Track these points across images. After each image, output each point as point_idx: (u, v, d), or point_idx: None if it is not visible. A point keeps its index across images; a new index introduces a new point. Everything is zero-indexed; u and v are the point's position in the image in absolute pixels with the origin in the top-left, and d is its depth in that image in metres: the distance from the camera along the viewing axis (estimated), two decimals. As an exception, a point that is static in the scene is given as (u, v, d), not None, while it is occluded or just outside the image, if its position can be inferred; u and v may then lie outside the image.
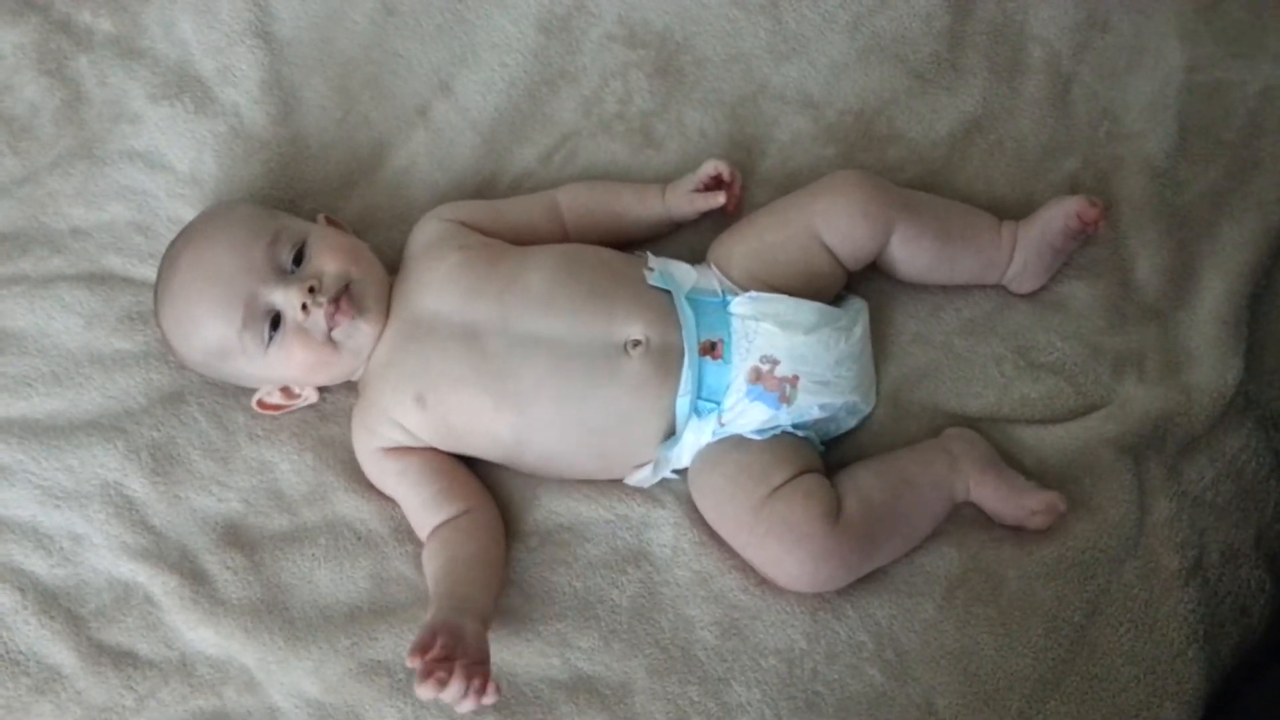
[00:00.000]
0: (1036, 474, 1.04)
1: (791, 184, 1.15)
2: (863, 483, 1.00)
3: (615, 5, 1.20)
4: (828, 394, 1.01)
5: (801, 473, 1.00)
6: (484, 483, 1.06)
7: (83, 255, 1.15)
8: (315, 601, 1.02)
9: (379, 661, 1.00)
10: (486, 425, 1.02)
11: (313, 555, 1.04)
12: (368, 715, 0.98)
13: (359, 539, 1.04)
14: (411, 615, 1.01)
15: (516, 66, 1.19)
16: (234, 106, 1.18)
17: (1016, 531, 1.02)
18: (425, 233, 1.09)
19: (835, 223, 1.04)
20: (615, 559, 1.03)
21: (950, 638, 0.98)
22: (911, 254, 1.06)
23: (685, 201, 1.11)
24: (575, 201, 1.12)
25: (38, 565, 1.04)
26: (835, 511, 0.98)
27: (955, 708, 0.96)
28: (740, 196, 1.12)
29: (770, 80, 1.18)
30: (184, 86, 1.19)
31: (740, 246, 1.06)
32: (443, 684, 0.85)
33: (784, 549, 0.97)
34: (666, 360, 1.00)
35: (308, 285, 1.01)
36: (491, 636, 0.99)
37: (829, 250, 1.05)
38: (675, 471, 1.05)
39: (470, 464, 1.06)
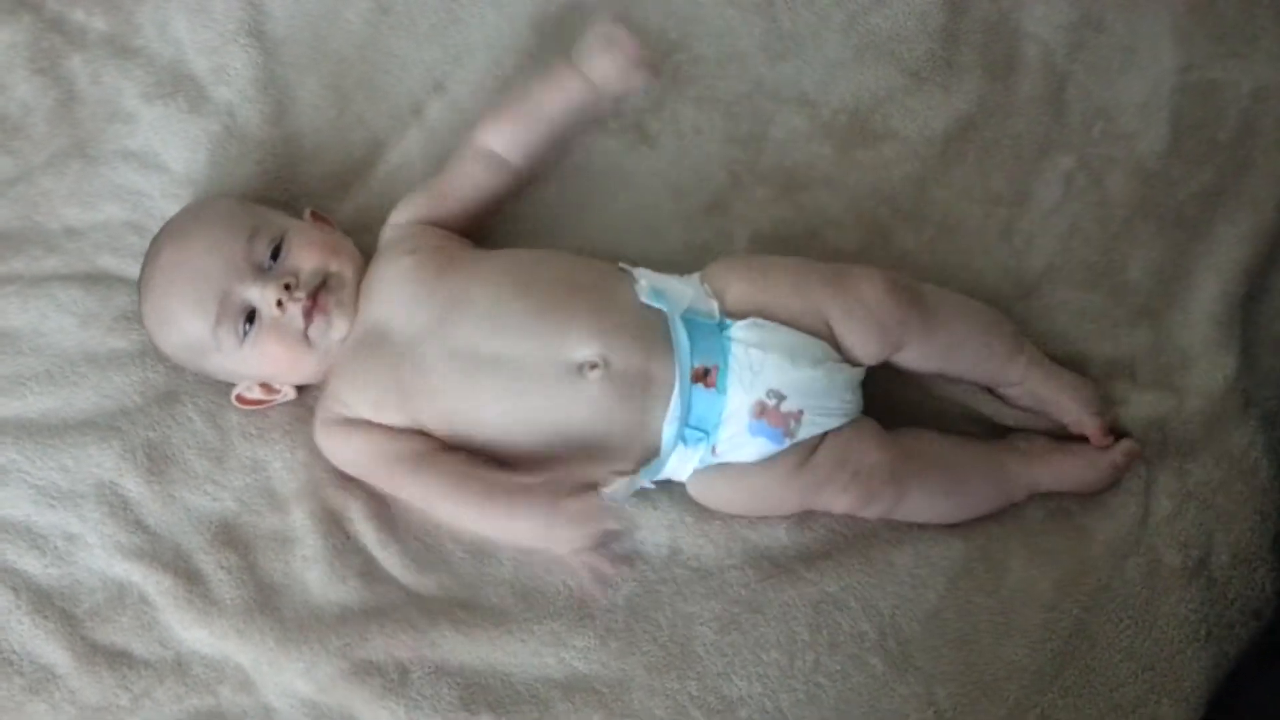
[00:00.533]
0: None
1: (788, 181, 1.15)
2: (922, 431, 1.04)
3: (610, 4, 1.20)
4: (831, 421, 1.00)
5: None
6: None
7: (77, 255, 1.15)
8: (307, 601, 1.02)
9: (371, 662, 0.99)
10: (448, 434, 1.01)
11: (304, 555, 1.03)
12: (361, 715, 0.98)
13: (349, 538, 1.04)
14: (403, 616, 1.01)
15: (511, 66, 1.19)
16: (228, 106, 1.18)
17: (1076, 517, 1.03)
18: (385, 235, 1.08)
19: (849, 325, 1.01)
20: (610, 558, 1.02)
21: (952, 627, 0.99)
22: (913, 368, 1.05)
23: (607, 67, 1.05)
24: (508, 140, 1.07)
25: (32, 565, 1.03)
26: (879, 432, 1.00)
27: (955, 697, 0.97)
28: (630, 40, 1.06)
29: (766, 78, 1.18)
30: (178, 86, 1.19)
31: (743, 284, 1.02)
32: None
33: (849, 472, 0.98)
34: (636, 383, 0.98)
35: (284, 282, 1.01)
36: (484, 637, 1.00)
37: (835, 339, 1.02)
38: (654, 482, 1.03)
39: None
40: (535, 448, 0.99)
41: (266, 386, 1.07)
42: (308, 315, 1.01)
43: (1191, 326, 1.09)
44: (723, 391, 0.98)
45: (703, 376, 0.98)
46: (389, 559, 1.04)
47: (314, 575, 1.03)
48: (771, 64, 1.19)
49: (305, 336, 1.02)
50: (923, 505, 1.01)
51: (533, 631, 1.00)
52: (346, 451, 1.04)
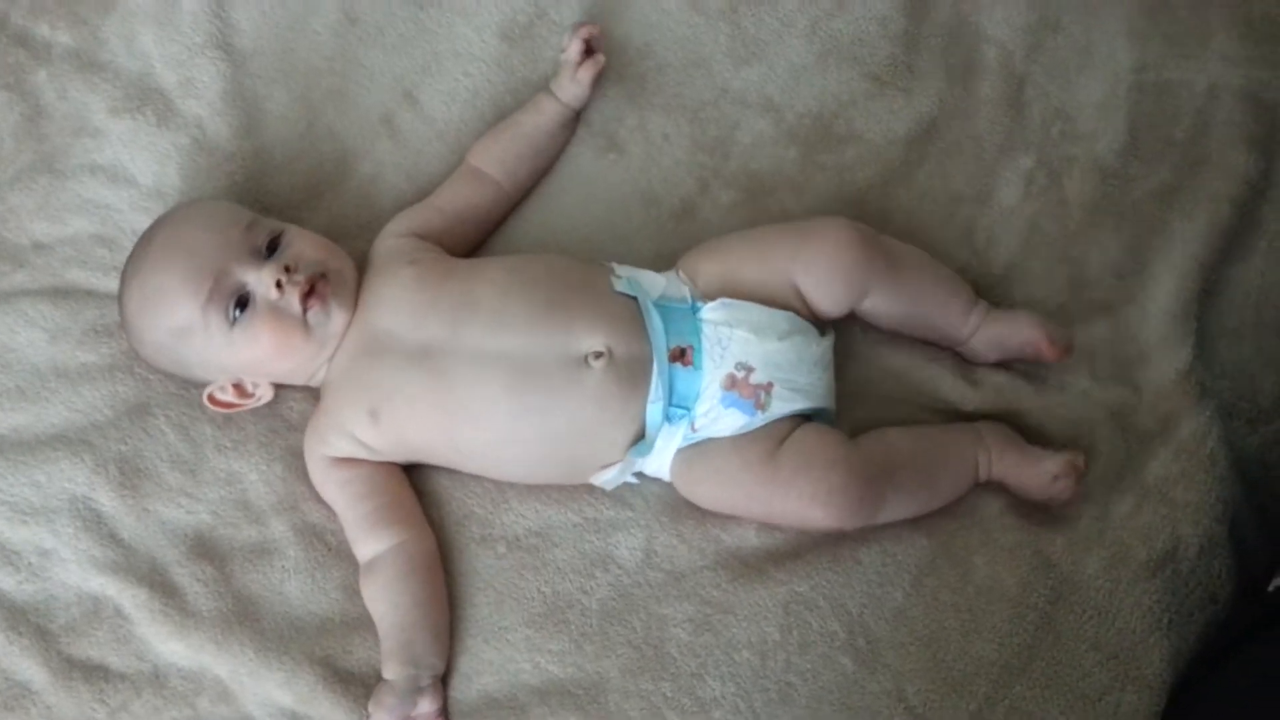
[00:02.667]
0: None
1: (754, 185, 1.16)
2: (884, 431, 1.04)
3: (576, 13, 1.21)
4: (801, 400, 1.02)
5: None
6: (452, 484, 1.06)
7: (45, 270, 1.15)
8: (286, 613, 1.02)
9: (351, 672, 1.00)
10: (443, 441, 1.02)
11: (283, 567, 1.03)
12: (339, 725, 0.98)
13: (330, 550, 1.04)
14: (383, 626, 1.01)
15: (480, 75, 1.20)
16: (196, 119, 1.18)
17: (1038, 512, 1.04)
18: (382, 248, 1.09)
19: (814, 278, 1.04)
20: (584, 563, 1.03)
21: (919, 625, 1.00)
22: (878, 317, 1.07)
23: (575, 85, 1.13)
24: (489, 157, 1.13)
25: (5, 581, 1.03)
26: (850, 444, 1.01)
27: (924, 693, 0.98)
28: (597, 36, 1.14)
29: (731, 84, 1.19)
30: (145, 99, 1.19)
31: (712, 265, 1.06)
32: None
33: (813, 478, 0.98)
34: (632, 369, 1.00)
35: (284, 264, 1.01)
36: (461, 646, 1.01)
37: (802, 298, 1.05)
38: (637, 475, 1.05)
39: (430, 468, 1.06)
40: (535, 442, 1.01)
41: (239, 388, 1.06)
42: (305, 300, 1.01)
43: (1148, 321, 1.10)
44: (699, 368, 1.01)
45: (680, 356, 1.01)
46: (368, 569, 1.04)
47: (294, 587, 1.03)
48: (736, 69, 1.20)
49: (303, 321, 1.01)
50: (899, 509, 1.02)
51: (508, 639, 1.01)
52: (327, 489, 1.05)
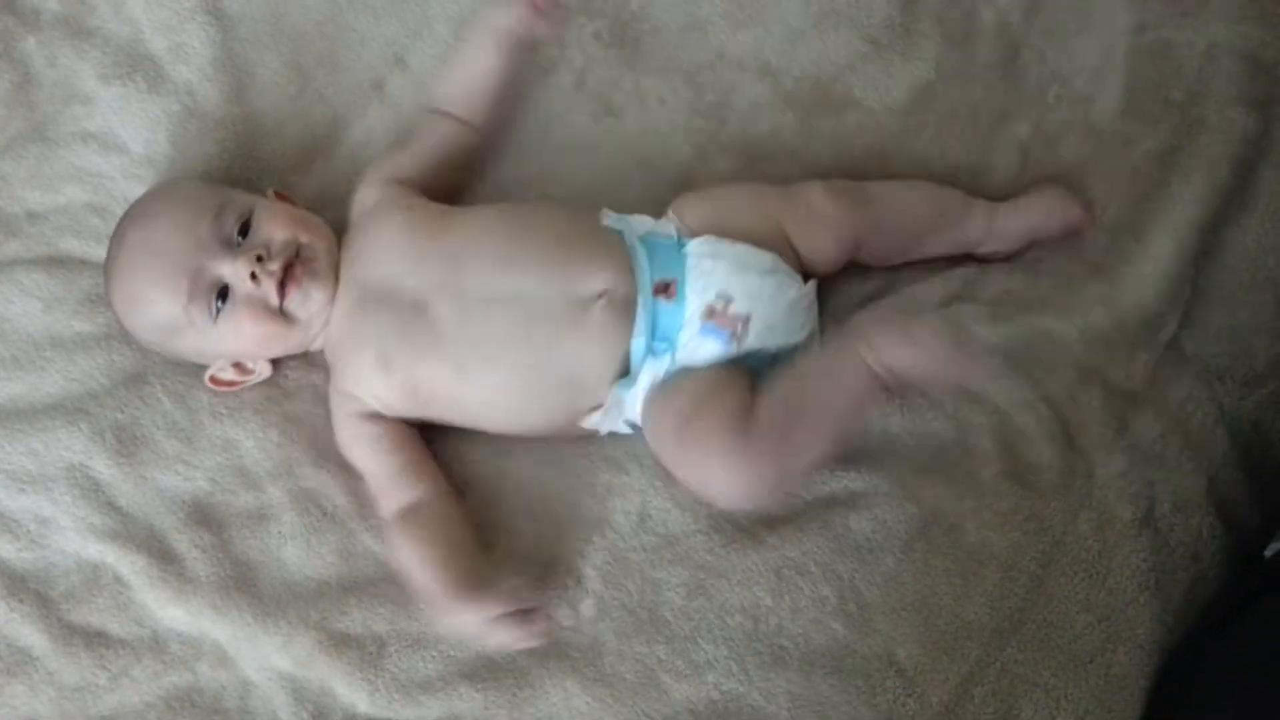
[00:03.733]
0: (990, 424, 1.06)
1: (752, 150, 1.16)
2: (774, 382, 0.99)
3: (562, -27, 1.20)
4: (776, 337, 1.02)
5: (732, 392, 0.99)
6: (451, 449, 1.06)
7: (39, 239, 1.15)
8: (283, 577, 1.03)
9: (348, 635, 1.00)
10: (449, 386, 1.02)
11: (279, 532, 1.04)
12: (338, 688, 0.99)
13: (325, 515, 1.05)
14: (379, 590, 1.02)
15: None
16: (187, 85, 1.17)
17: (1029, 474, 1.03)
18: (365, 198, 1.09)
19: (805, 234, 1.06)
20: (580, 527, 1.04)
21: (910, 589, 1.00)
22: (875, 259, 1.08)
23: (521, 12, 1.09)
24: (447, 90, 1.12)
25: (5, 549, 1.04)
26: (746, 414, 0.96)
27: (915, 657, 0.98)
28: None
29: (727, 48, 1.18)
30: (135, 66, 1.18)
31: (704, 207, 1.07)
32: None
33: (702, 461, 0.97)
34: (625, 306, 1.01)
35: (255, 254, 1.01)
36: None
37: (793, 249, 1.06)
38: (631, 426, 1.05)
39: (434, 434, 1.07)
40: (537, 383, 1.01)
41: (240, 366, 1.07)
42: (281, 287, 1.01)
43: (1143, 284, 1.10)
44: (682, 300, 1.01)
45: (664, 290, 1.01)
46: (365, 533, 1.04)
47: (291, 551, 1.03)
48: (733, 32, 1.19)
49: (281, 310, 1.02)
50: (807, 451, 0.98)
51: (506, 601, 1.02)
52: (357, 449, 1.04)
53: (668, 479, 1.05)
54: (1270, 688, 0.89)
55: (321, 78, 1.19)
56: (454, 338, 1.01)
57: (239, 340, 1.04)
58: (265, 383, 1.09)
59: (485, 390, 1.02)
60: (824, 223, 1.06)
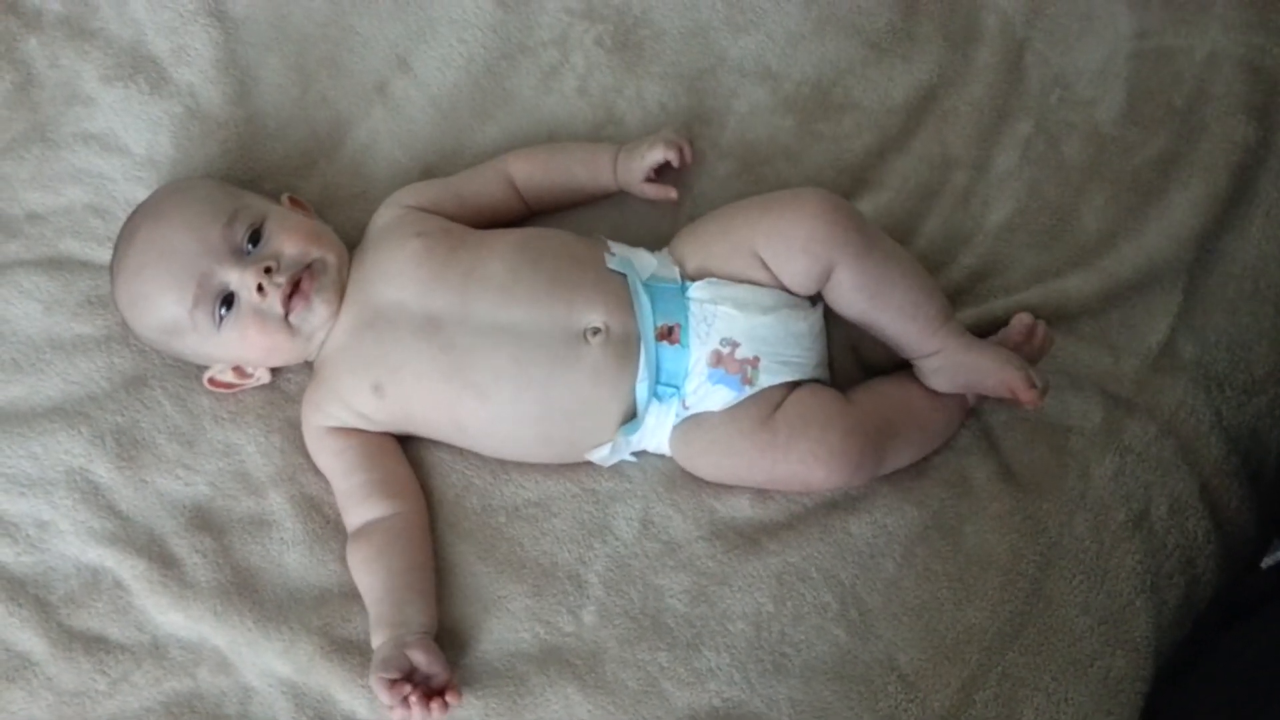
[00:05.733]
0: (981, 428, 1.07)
1: (751, 155, 1.15)
2: (876, 382, 1.04)
3: (570, -24, 1.20)
4: (788, 373, 1.02)
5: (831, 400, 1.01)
6: (452, 455, 1.06)
7: (40, 240, 1.14)
8: (284, 584, 1.02)
9: (350, 641, 1.00)
10: (448, 415, 1.02)
11: (280, 538, 1.04)
12: (339, 694, 0.99)
13: (327, 522, 1.05)
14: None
15: (475, 42, 1.19)
16: (189, 87, 1.17)
17: (1026, 476, 1.04)
18: (383, 218, 1.08)
19: (774, 248, 1.00)
20: (582, 534, 1.04)
21: (911, 594, 1.01)
22: (839, 304, 1.03)
23: (636, 188, 1.10)
24: (530, 177, 1.11)
25: (4, 553, 1.03)
26: (845, 401, 1.00)
27: (917, 662, 0.99)
28: (690, 159, 1.10)
29: (728, 53, 1.18)
30: (138, 67, 1.18)
31: (692, 247, 1.05)
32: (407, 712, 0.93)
33: (811, 439, 0.98)
34: (626, 347, 1.01)
35: (264, 265, 1.01)
36: (460, 615, 1.01)
37: (768, 271, 1.02)
38: (637, 455, 1.05)
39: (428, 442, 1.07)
40: (534, 419, 1.01)
41: (239, 370, 1.07)
42: (287, 301, 1.01)
43: (1139, 288, 1.10)
44: (685, 346, 1.01)
45: (667, 335, 1.01)
46: (366, 540, 1.04)
47: (292, 558, 1.03)
48: (734, 37, 1.19)
49: (286, 322, 1.02)
50: (902, 458, 1.03)
51: (507, 608, 1.01)
52: (321, 458, 1.05)
53: (670, 485, 1.05)
54: (1266, 699, 0.89)
55: (324, 80, 1.18)
56: (458, 364, 1.01)
57: (241, 347, 1.04)
58: (268, 387, 1.09)
59: (483, 420, 1.02)
60: (801, 228, 0.99)
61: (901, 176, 1.14)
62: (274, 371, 1.09)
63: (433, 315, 1.02)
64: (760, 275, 1.02)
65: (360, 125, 1.18)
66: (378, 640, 0.98)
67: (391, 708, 0.93)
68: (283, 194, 1.12)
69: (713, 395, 1.01)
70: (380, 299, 1.03)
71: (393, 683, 0.93)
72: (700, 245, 1.05)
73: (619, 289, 1.02)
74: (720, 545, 1.03)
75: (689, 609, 1.01)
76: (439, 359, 1.01)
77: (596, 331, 1.00)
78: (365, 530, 1.01)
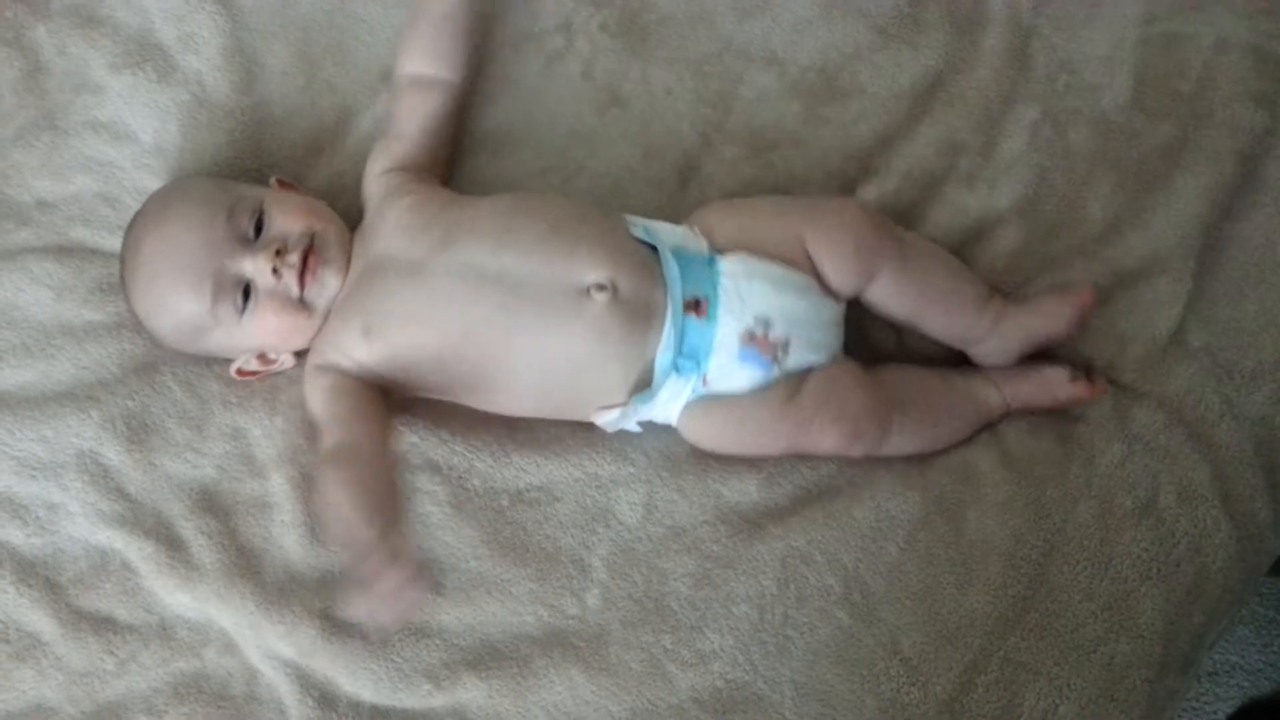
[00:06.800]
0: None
1: (757, 140, 1.15)
2: (898, 365, 1.06)
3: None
4: (816, 355, 1.02)
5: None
6: (456, 438, 1.06)
7: (49, 228, 1.15)
8: (287, 566, 1.03)
9: (352, 624, 1.01)
10: (433, 360, 1.02)
11: (283, 521, 1.04)
12: (342, 677, 1.00)
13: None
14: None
15: (479, 29, 1.19)
16: (196, 75, 1.18)
17: (1033, 463, 1.04)
18: (374, 189, 1.09)
19: (826, 246, 1.03)
20: (585, 517, 1.04)
21: (914, 579, 1.01)
22: (885, 305, 1.06)
23: None
24: (416, 57, 1.10)
25: (14, 535, 1.05)
26: (866, 371, 1.03)
27: (919, 646, 0.99)
28: None
29: (734, 38, 1.18)
30: (145, 55, 1.18)
31: (728, 221, 1.06)
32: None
33: (835, 406, 1.00)
34: (639, 311, 1.00)
35: (274, 249, 1.02)
36: (462, 598, 1.01)
37: (812, 264, 1.04)
38: (643, 425, 1.05)
39: (440, 415, 1.07)
40: (528, 370, 1.01)
41: (264, 358, 1.08)
42: (301, 279, 1.02)
43: (1145, 276, 1.10)
44: (713, 320, 1.00)
45: (694, 307, 1.01)
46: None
47: (293, 540, 1.04)
48: (740, 22, 1.18)
49: (302, 301, 1.03)
50: (905, 441, 1.03)
51: (511, 591, 1.02)
52: (313, 397, 1.04)
53: (674, 470, 1.05)
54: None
55: (330, 68, 1.19)
56: (441, 307, 1.00)
57: (264, 334, 1.05)
58: (245, 378, 1.09)
59: (470, 367, 1.01)
60: (849, 239, 1.03)
61: (908, 162, 1.14)
62: (296, 356, 1.09)
63: (416, 261, 1.02)
64: (800, 263, 1.03)
65: (366, 113, 1.18)
66: (371, 542, 0.93)
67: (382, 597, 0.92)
68: (270, 177, 1.12)
69: (739, 375, 1.01)
70: (374, 254, 1.04)
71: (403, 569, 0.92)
72: (738, 222, 1.05)
73: (638, 255, 1.02)
74: (724, 529, 1.03)
75: (693, 592, 1.01)
76: (420, 303, 1.01)
77: (601, 288, 0.99)
78: (343, 449, 0.99)
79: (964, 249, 1.12)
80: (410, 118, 1.11)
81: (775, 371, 1.01)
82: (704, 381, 1.02)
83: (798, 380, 1.02)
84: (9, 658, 1.01)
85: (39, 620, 1.02)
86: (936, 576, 1.01)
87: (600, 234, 1.02)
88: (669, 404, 1.03)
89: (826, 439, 1.01)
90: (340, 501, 0.96)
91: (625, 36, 1.18)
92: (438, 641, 1.00)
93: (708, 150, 1.16)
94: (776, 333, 1.00)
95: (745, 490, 1.04)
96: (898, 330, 1.10)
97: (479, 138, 1.17)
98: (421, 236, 1.03)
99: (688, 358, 1.01)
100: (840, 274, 1.04)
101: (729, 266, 1.02)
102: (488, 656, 1.00)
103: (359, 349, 1.03)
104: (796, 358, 1.01)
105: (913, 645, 0.99)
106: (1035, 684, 0.99)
